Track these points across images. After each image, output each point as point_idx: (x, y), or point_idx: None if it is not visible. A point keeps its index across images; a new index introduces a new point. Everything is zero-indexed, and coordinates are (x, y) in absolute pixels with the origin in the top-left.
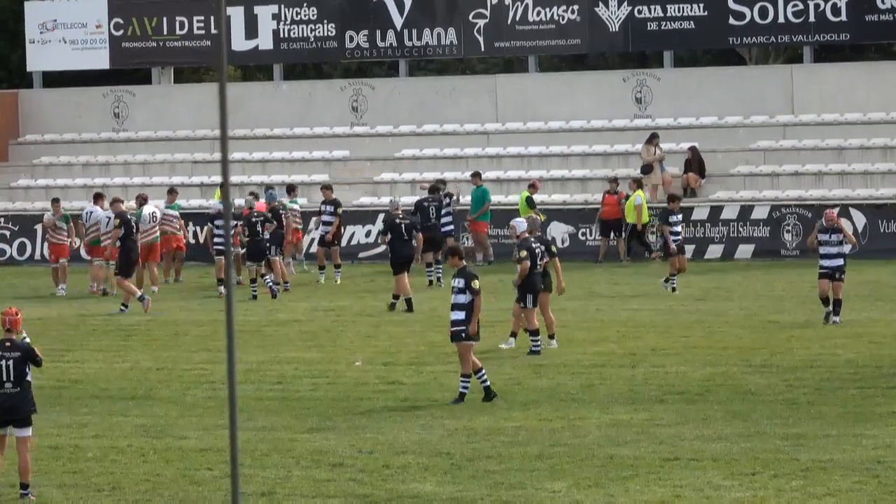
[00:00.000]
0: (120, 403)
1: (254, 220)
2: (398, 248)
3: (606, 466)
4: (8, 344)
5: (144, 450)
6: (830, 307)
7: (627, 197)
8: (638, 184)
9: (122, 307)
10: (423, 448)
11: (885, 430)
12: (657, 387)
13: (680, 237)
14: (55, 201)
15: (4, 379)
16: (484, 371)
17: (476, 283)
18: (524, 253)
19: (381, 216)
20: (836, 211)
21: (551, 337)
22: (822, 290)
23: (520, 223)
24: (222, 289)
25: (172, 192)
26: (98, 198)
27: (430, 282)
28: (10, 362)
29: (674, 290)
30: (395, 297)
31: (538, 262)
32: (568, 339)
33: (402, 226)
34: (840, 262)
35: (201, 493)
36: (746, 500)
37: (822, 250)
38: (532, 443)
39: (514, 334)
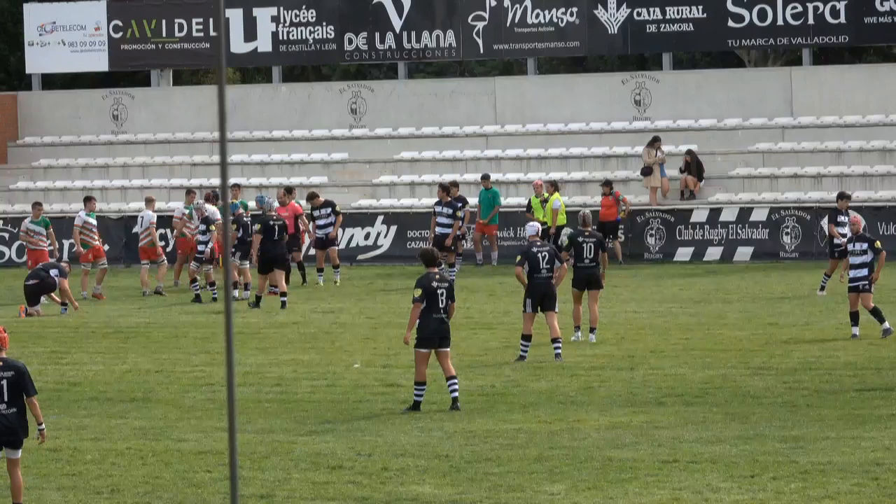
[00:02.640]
0: (119, 406)
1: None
2: (267, 248)
3: (605, 469)
4: (0, 363)
5: (143, 452)
6: (857, 328)
7: (546, 200)
8: (555, 186)
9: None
10: (421, 450)
11: (884, 432)
12: (656, 389)
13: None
14: (36, 205)
15: None
16: (423, 388)
17: (416, 291)
18: (518, 258)
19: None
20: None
21: (592, 330)
22: (853, 303)
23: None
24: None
25: (190, 192)
26: (88, 201)
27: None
28: (4, 382)
29: (822, 288)
30: (259, 295)
31: (542, 266)
32: (567, 342)
33: (275, 227)
34: (864, 272)
35: (200, 495)
36: (745, 502)
37: (848, 260)
38: (531, 445)
39: (576, 327)
